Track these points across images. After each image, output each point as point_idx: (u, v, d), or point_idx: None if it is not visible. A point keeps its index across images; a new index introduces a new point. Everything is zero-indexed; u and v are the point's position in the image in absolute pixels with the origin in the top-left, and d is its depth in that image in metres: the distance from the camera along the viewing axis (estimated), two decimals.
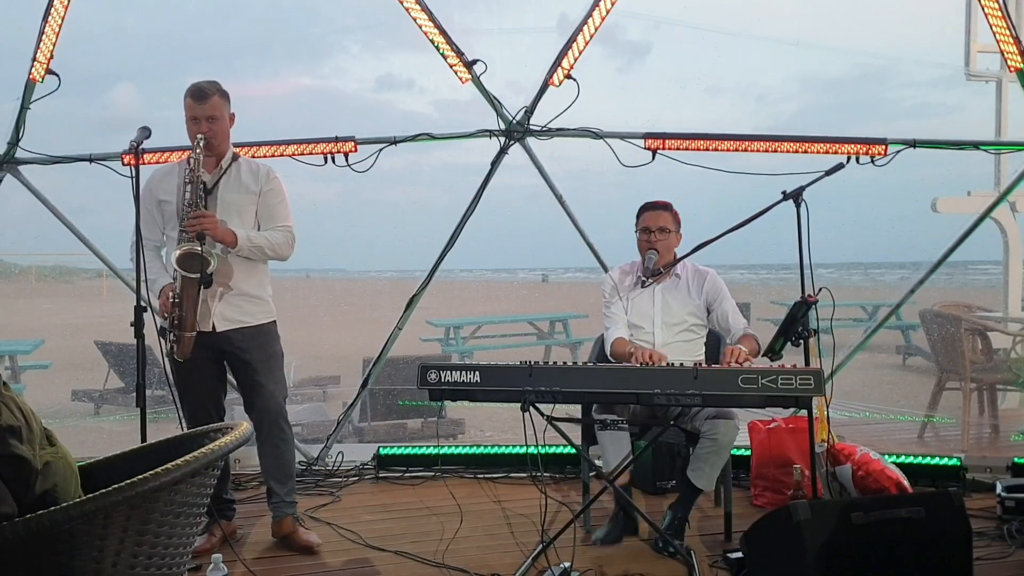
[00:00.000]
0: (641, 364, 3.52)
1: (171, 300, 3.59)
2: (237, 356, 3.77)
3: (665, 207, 4.05)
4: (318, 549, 3.82)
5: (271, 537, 3.93)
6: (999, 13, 4.59)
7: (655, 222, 4.01)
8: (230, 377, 3.97)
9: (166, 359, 3.68)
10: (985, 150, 5.10)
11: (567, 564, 3.27)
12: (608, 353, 3.98)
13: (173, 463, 1.75)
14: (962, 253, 5.08)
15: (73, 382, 9.55)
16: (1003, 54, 4.76)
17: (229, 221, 3.68)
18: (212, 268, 3.57)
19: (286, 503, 3.89)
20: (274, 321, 3.90)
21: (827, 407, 3.81)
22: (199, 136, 3.61)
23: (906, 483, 4.07)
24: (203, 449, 1.84)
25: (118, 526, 1.69)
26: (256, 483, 4.76)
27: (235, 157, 3.82)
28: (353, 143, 4.88)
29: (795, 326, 3.39)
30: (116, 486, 1.69)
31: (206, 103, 3.65)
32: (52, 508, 1.58)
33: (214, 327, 3.70)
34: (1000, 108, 7.32)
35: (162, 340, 3.67)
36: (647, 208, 4.07)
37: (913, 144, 4.80)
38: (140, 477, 1.69)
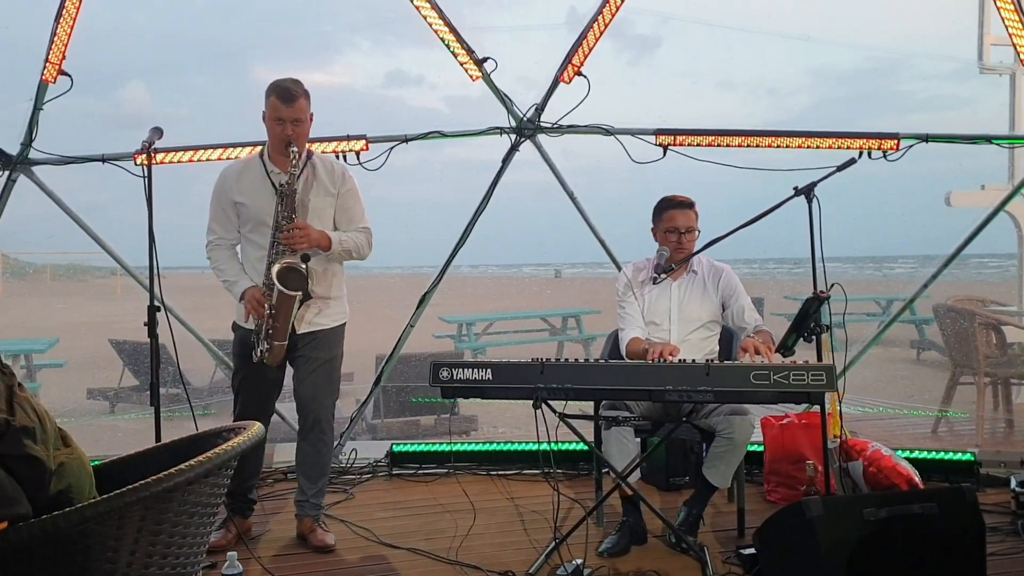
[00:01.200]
0: (654, 361, 3.52)
1: (267, 312, 3.59)
2: (301, 353, 3.79)
3: (690, 204, 4.00)
4: (332, 550, 3.83)
5: (289, 535, 3.96)
6: (1012, 6, 4.56)
7: (685, 222, 3.96)
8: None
9: (256, 361, 3.66)
10: (999, 144, 5.06)
11: (579, 561, 3.27)
12: (623, 354, 3.96)
13: (187, 463, 1.76)
14: (976, 247, 5.06)
15: (88, 380, 9.59)
16: (1016, 47, 4.73)
17: (309, 223, 3.67)
18: (312, 285, 3.61)
19: (311, 504, 3.91)
20: (345, 323, 3.92)
21: (840, 403, 3.80)
22: (292, 148, 3.57)
23: (917, 479, 4.05)
24: (216, 449, 1.84)
25: (132, 526, 1.70)
26: (272, 480, 4.78)
27: (309, 155, 3.80)
28: (365, 141, 4.89)
29: (807, 322, 3.38)
30: (130, 487, 1.70)
31: (293, 105, 3.61)
32: (67, 509, 1.59)
33: (294, 329, 3.69)
34: (1014, 101, 7.26)
35: (255, 342, 3.66)
36: (672, 206, 4.00)
37: (926, 138, 4.78)
38: (154, 478, 1.70)
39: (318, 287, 3.73)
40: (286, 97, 3.60)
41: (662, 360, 3.46)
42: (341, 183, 3.80)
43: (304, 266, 3.55)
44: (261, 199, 3.70)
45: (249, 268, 3.76)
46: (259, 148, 3.88)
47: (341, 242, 3.74)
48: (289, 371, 3.91)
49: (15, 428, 1.78)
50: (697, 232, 4.00)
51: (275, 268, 3.54)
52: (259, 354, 3.64)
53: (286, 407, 4.61)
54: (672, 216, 3.98)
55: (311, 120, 3.74)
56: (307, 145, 3.79)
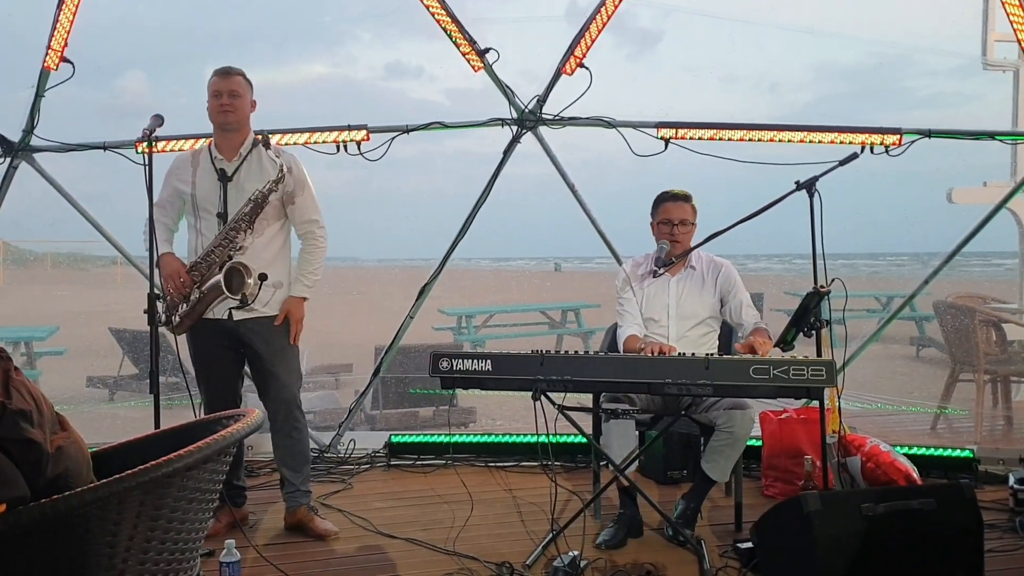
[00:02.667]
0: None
1: (189, 293, 3.65)
2: (252, 345, 3.79)
3: (686, 198, 3.99)
4: (333, 537, 3.85)
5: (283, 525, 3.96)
6: (1016, 2, 4.55)
7: (678, 215, 3.95)
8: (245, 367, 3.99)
9: (163, 329, 3.71)
10: (1002, 140, 5.05)
11: (575, 553, 3.28)
12: (620, 351, 3.96)
13: (186, 449, 1.76)
14: (977, 244, 5.05)
15: (88, 368, 9.59)
16: (1020, 43, 4.72)
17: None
18: (251, 300, 3.64)
19: (300, 492, 3.91)
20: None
21: (839, 398, 3.80)
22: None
23: (916, 475, 4.06)
24: (215, 436, 1.85)
25: (132, 511, 1.70)
26: (268, 470, 4.79)
27: (255, 143, 3.82)
28: (366, 131, 4.88)
29: (808, 316, 3.38)
30: (130, 472, 1.70)
31: (231, 78, 3.75)
32: (67, 493, 1.59)
33: (231, 315, 3.72)
34: (1017, 98, 7.24)
35: (160, 307, 3.67)
36: (667, 199, 4.00)
37: (928, 134, 4.76)
38: (153, 463, 1.70)
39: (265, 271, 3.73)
40: (223, 73, 3.77)
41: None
42: (286, 172, 3.75)
43: (254, 281, 3.62)
44: (203, 185, 3.76)
45: (190, 252, 3.81)
46: (210, 139, 3.89)
47: (310, 284, 3.86)
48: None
49: (12, 411, 1.77)
50: (692, 226, 3.98)
51: (228, 265, 3.60)
52: (164, 320, 3.70)
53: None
54: (666, 208, 3.99)
55: (253, 107, 3.85)
56: (252, 134, 3.85)
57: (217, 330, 3.75)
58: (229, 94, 3.72)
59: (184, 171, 3.81)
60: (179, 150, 4.89)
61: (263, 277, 3.66)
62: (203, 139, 4.83)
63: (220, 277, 3.59)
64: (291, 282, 3.86)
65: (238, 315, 3.72)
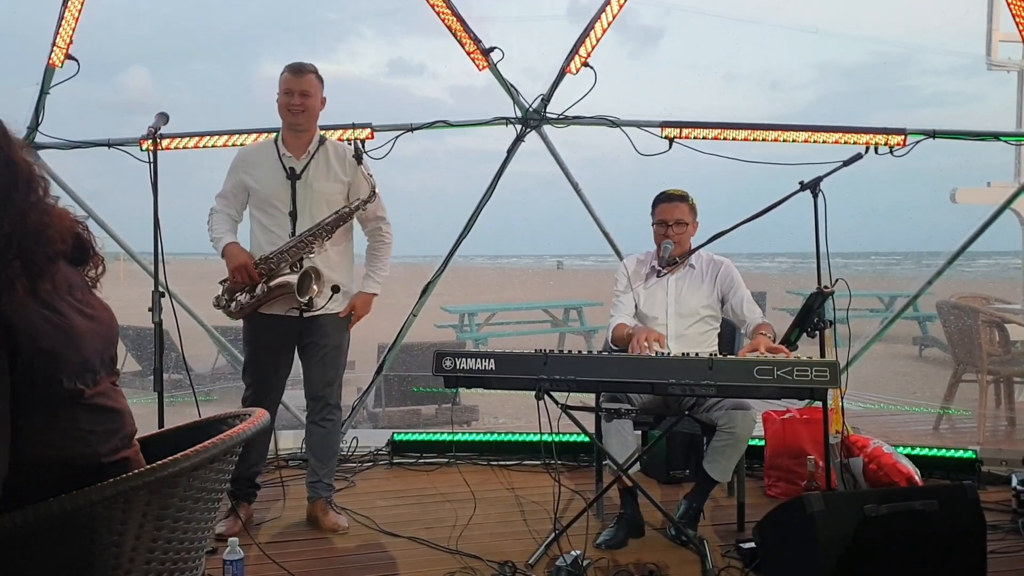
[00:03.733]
0: (639, 348, 3.53)
1: (253, 286, 3.70)
2: (313, 339, 3.86)
3: (682, 198, 3.99)
4: (343, 532, 3.88)
5: (289, 521, 3.99)
6: (1021, 2, 4.54)
7: (672, 215, 3.96)
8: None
9: (219, 307, 3.79)
10: (1006, 140, 5.04)
11: (578, 552, 3.28)
12: (609, 340, 3.97)
13: (193, 449, 1.76)
14: (981, 244, 5.04)
15: None
16: None
17: (316, 209, 3.76)
18: (315, 306, 3.72)
19: (323, 484, 3.98)
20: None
21: (842, 398, 3.80)
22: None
23: (917, 478, 4.06)
24: (222, 435, 1.84)
25: (138, 510, 1.70)
26: (272, 467, 4.79)
27: (322, 140, 3.86)
28: (370, 130, 4.89)
29: (811, 317, 3.38)
30: (136, 471, 1.70)
31: (303, 77, 3.74)
32: (73, 492, 1.59)
33: (302, 314, 3.77)
34: (1021, 98, 7.23)
35: (220, 290, 3.76)
36: (663, 199, 4.01)
37: (933, 134, 4.76)
38: (160, 463, 1.70)
39: (333, 273, 3.81)
40: (296, 70, 3.75)
41: (655, 352, 3.46)
42: (354, 171, 3.82)
43: (322, 291, 3.71)
44: (272, 182, 3.78)
45: (254, 246, 3.83)
46: (274, 134, 3.93)
47: (380, 280, 3.98)
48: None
49: None
50: (688, 225, 3.98)
51: (304, 268, 3.66)
52: (224, 303, 3.76)
53: (287, 395, 4.62)
54: (661, 209, 4.00)
55: (323, 104, 3.84)
56: (319, 131, 3.88)
57: (282, 325, 3.80)
58: (301, 93, 3.72)
59: (250, 165, 3.84)
60: (183, 148, 4.90)
61: (335, 289, 3.76)
62: (215, 136, 4.87)
63: (294, 279, 3.64)
64: (363, 278, 3.97)
65: (308, 314, 3.78)
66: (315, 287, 3.68)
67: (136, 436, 1.92)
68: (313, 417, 3.96)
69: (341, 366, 3.99)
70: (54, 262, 1.75)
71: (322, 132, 3.92)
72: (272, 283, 3.67)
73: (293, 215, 3.75)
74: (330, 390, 3.94)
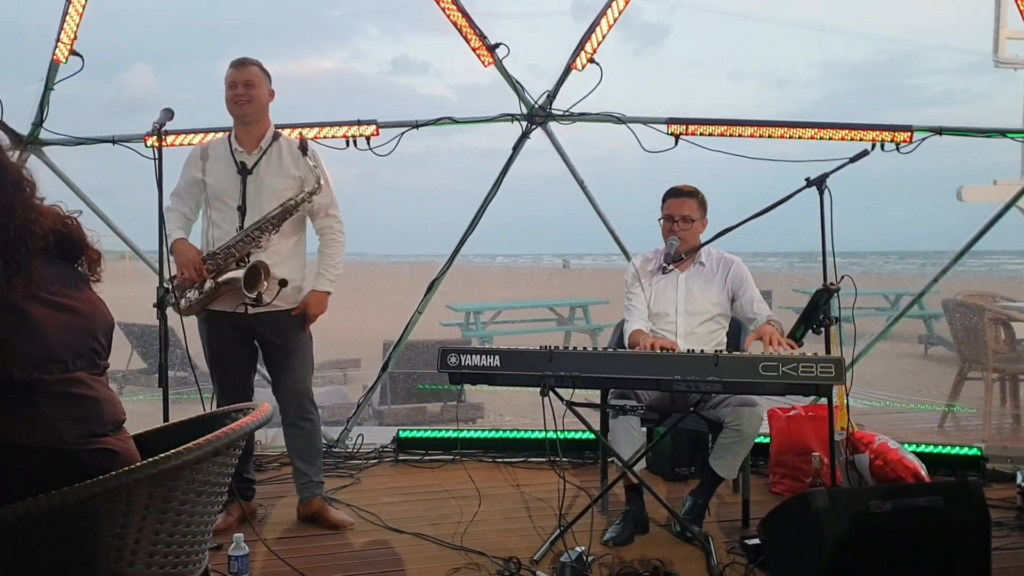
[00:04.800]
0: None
1: (202, 282, 3.67)
2: (268, 339, 3.82)
3: (690, 194, 3.97)
4: (348, 527, 3.88)
5: (295, 518, 3.98)
6: None
7: (679, 210, 3.94)
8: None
9: (169, 311, 3.67)
10: (1012, 138, 5.04)
11: (582, 548, 3.28)
12: (626, 346, 3.96)
13: (195, 442, 1.76)
14: (987, 242, 5.03)
15: None
16: None
17: (266, 204, 3.72)
18: (263, 301, 3.68)
19: (314, 483, 3.94)
20: None
21: (847, 395, 3.79)
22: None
23: (924, 473, 4.05)
24: (224, 429, 1.85)
25: (140, 503, 1.71)
26: (277, 464, 4.80)
27: (276, 136, 3.85)
28: (375, 126, 4.88)
29: (817, 314, 3.37)
30: (139, 464, 1.71)
31: (245, 68, 3.74)
32: (75, 484, 1.60)
33: (246, 309, 3.73)
34: None
35: (170, 288, 3.67)
36: (672, 194, 3.99)
37: (939, 131, 4.75)
38: (162, 456, 1.71)
39: (280, 269, 3.75)
40: (238, 63, 3.76)
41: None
42: (305, 165, 3.76)
43: (270, 286, 3.68)
44: (223, 177, 3.77)
45: (206, 243, 3.80)
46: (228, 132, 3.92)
47: (332, 277, 3.89)
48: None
49: None
50: (696, 222, 3.97)
51: (250, 264, 3.63)
52: (173, 300, 3.67)
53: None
54: (669, 204, 3.99)
55: (271, 97, 3.84)
56: (273, 126, 3.87)
57: (231, 323, 3.77)
58: (244, 84, 3.72)
59: (201, 161, 3.83)
60: (189, 144, 4.90)
61: (283, 283, 3.72)
62: (217, 133, 4.87)
63: (240, 274, 3.61)
64: (315, 276, 3.90)
65: (253, 309, 3.74)
66: (265, 282, 3.64)
67: (135, 430, 1.92)
68: (290, 419, 3.91)
69: (306, 362, 3.93)
70: (32, 258, 1.78)
71: (278, 128, 3.91)
72: (220, 279, 3.66)
73: (242, 210, 3.72)
74: (303, 388, 3.89)
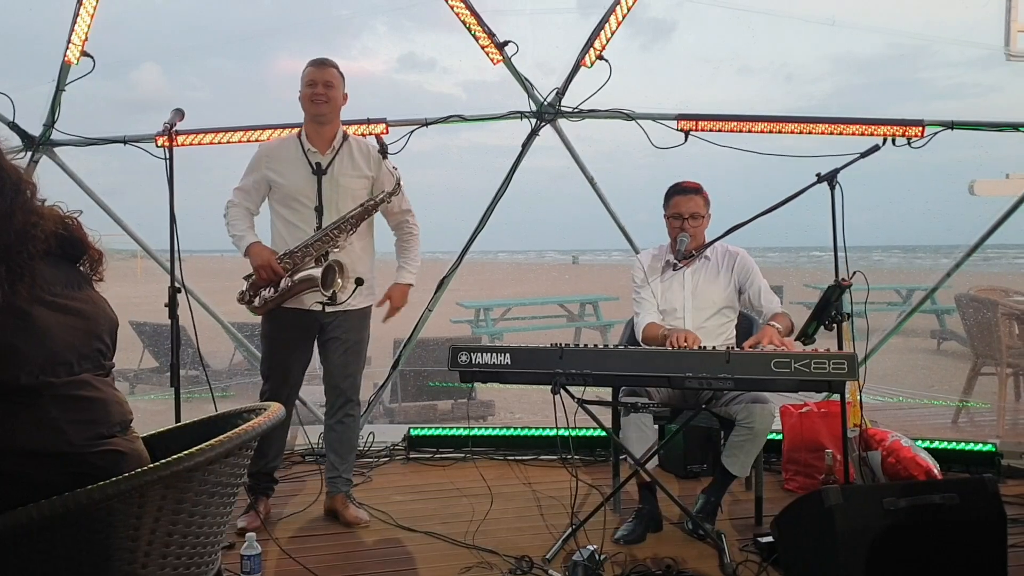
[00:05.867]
0: (675, 348, 3.49)
1: (279, 281, 3.71)
2: (336, 336, 3.87)
3: (695, 190, 3.96)
4: (364, 525, 3.90)
5: (307, 516, 4.00)
6: None
7: (687, 208, 3.93)
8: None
9: (244, 302, 3.81)
10: None
11: (594, 547, 3.27)
12: (640, 340, 3.94)
13: (208, 444, 1.76)
14: (1000, 236, 5.00)
15: None
16: None
17: (342, 204, 3.78)
18: (339, 300, 3.75)
19: (343, 479, 4.00)
20: (371, 306, 3.99)
21: (860, 391, 3.78)
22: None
23: (936, 471, 4.02)
24: (237, 430, 1.85)
25: (153, 505, 1.71)
26: (288, 463, 4.81)
27: (345, 136, 3.89)
28: (385, 125, 4.89)
29: (829, 310, 3.35)
30: (151, 465, 1.70)
31: (326, 69, 3.79)
32: (88, 487, 1.60)
33: (324, 308, 3.79)
34: None
35: (244, 286, 3.78)
36: (677, 192, 3.98)
37: (951, 125, 4.72)
38: (175, 457, 1.71)
39: (353, 269, 3.80)
40: (319, 63, 3.79)
41: (685, 347, 3.44)
42: (377, 166, 3.86)
43: (345, 280, 3.73)
44: (298, 177, 3.79)
45: (277, 241, 3.83)
46: (296, 129, 3.94)
47: (415, 269, 4.02)
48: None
49: None
50: (704, 218, 3.95)
51: (328, 262, 3.68)
52: (248, 299, 3.77)
53: (304, 390, 4.64)
54: (676, 203, 3.96)
55: (345, 100, 3.88)
56: (342, 127, 3.91)
57: (303, 320, 3.82)
58: (324, 84, 3.76)
59: (273, 160, 3.84)
60: (199, 144, 4.91)
61: (359, 282, 3.77)
62: (222, 131, 4.88)
63: (318, 272, 3.64)
64: (396, 270, 4.00)
65: (331, 308, 3.79)
66: (339, 280, 3.70)
67: (147, 429, 1.92)
68: (333, 413, 3.97)
69: (363, 360, 4.01)
70: (34, 261, 1.78)
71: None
72: (296, 277, 3.69)
73: (319, 210, 3.77)
74: (351, 383, 3.95)
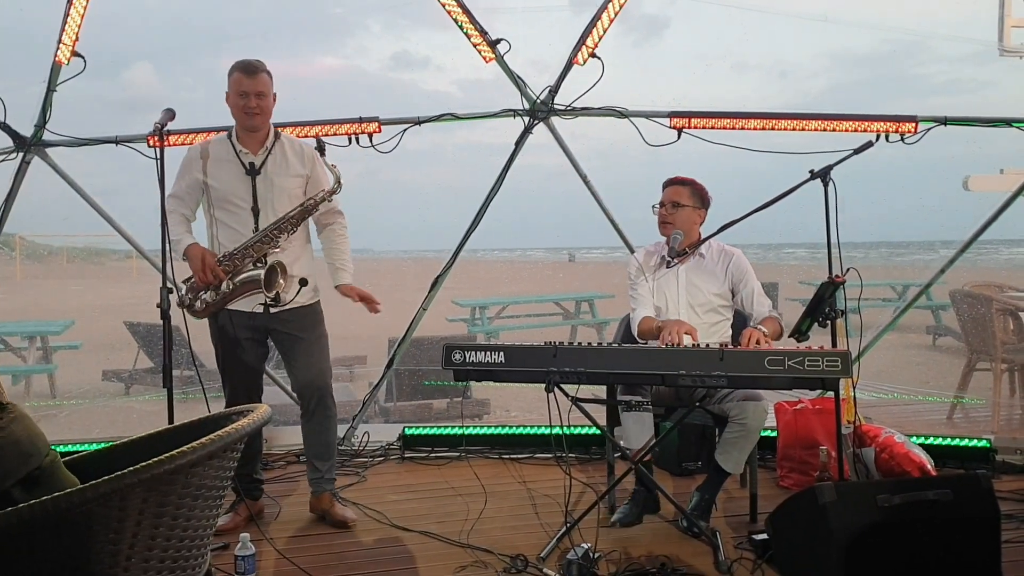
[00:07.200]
0: (668, 345, 3.48)
1: (219, 284, 3.67)
2: (290, 334, 3.83)
3: (684, 183, 3.97)
4: (352, 525, 3.87)
5: (301, 516, 3.98)
6: None
7: (667, 196, 3.95)
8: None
9: (184, 311, 3.75)
10: (1018, 127, 4.98)
11: (587, 545, 3.27)
12: (635, 334, 3.94)
13: (189, 446, 1.75)
14: (994, 232, 5.00)
15: (103, 362, 9.64)
16: None
17: (278, 203, 3.73)
18: (282, 300, 3.70)
19: (326, 479, 3.95)
20: (319, 301, 3.94)
21: (854, 388, 3.77)
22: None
23: (930, 467, 4.03)
24: (219, 432, 1.83)
25: (135, 508, 1.69)
26: (283, 463, 4.80)
27: (276, 135, 3.85)
28: (377, 123, 4.87)
29: (823, 306, 3.35)
30: (132, 468, 1.69)
31: (256, 77, 3.70)
32: (68, 490, 1.59)
33: (266, 309, 3.74)
34: None
35: (184, 289, 3.73)
36: (666, 183, 4.01)
37: (944, 121, 4.72)
38: (155, 460, 1.69)
39: (295, 266, 3.77)
40: (249, 70, 3.69)
41: (675, 345, 3.44)
42: (311, 164, 3.82)
43: (288, 285, 3.69)
44: (232, 179, 3.75)
45: (215, 245, 3.80)
46: (224, 132, 3.90)
47: (350, 267, 3.94)
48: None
49: None
50: (690, 209, 3.94)
51: (269, 263, 3.64)
52: (188, 302, 3.74)
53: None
54: (663, 193, 3.99)
55: (274, 100, 3.81)
56: (272, 126, 3.86)
57: (247, 323, 3.77)
58: (257, 95, 3.69)
59: (202, 161, 3.80)
60: (191, 143, 4.89)
61: (303, 282, 3.74)
62: (210, 133, 4.86)
63: (260, 274, 3.62)
64: (334, 271, 3.92)
65: (274, 309, 3.75)
66: (281, 281, 3.65)
67: (143, 430, 1.91)
68: (309, 416, 3.92)
69: (326, 356, 3.95)
70: None
71: (281, 126, 3.91)
72: (238, 279, 3.66)
73: (256, 211, 3.72)
74: (324, 384, 3.89)
